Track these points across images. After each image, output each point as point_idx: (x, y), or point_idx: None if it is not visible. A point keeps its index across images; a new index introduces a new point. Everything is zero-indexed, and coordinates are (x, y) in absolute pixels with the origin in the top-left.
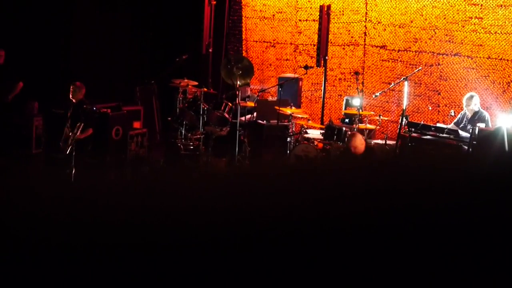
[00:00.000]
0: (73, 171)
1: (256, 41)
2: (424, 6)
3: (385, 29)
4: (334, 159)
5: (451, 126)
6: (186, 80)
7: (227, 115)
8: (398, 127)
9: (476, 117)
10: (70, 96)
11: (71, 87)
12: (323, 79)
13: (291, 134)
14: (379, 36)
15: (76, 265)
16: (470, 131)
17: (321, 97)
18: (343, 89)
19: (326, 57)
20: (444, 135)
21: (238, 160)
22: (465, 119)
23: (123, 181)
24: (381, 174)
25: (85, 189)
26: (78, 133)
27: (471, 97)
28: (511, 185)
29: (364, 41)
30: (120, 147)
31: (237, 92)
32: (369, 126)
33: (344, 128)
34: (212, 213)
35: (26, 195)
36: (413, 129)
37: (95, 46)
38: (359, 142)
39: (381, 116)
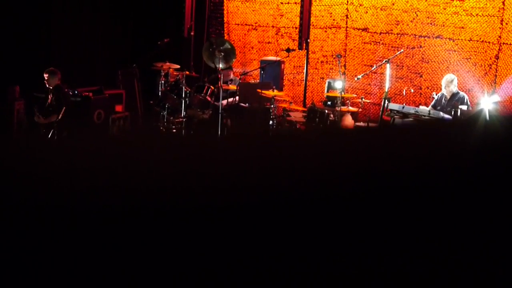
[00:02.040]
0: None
1: (238, 24)
2: None
3: (366, 12)
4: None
5: (429, 108)
6: (168, 64)
7: (209, 98)
8: (381, 109)
9: (456, 98)
10: (46, 83)
11: (46, 74)
12: (305, 62)
13: (273, 117)
14: (360, 18)
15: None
16: (452, 113)
17: (303, 80)
18: (325, 72)
19: (308, 40)
20: (426, 117)
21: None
22: (443, 100)
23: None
24: (366, 146)
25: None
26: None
27: (452, 79)
28: (494, 163)
29: (346, 23)
30: (102, 130)
31: (219, 75)
32: (351, 108)
33: (326, 111)
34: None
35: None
36: (396, 111)
37: (76, 30)
38: (349, 122)
39: (363, 99)
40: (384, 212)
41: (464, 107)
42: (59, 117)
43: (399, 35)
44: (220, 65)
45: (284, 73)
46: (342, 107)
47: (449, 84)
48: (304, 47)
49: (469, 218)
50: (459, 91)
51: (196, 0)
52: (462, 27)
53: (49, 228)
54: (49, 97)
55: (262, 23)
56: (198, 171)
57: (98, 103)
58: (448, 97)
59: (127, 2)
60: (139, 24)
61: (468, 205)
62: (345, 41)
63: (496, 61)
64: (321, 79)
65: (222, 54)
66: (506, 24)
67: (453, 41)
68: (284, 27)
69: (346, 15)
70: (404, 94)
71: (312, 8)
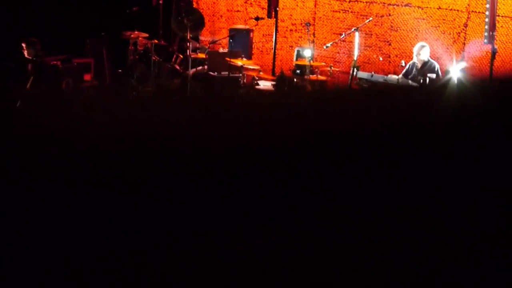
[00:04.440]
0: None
1: None
2: None
3: None
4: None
5: (400, 76)
6: (136, 32)
7: (177, 67)
8: (349, 78)
9: (426, 67)
10: (25, 53)
11: (23, 44)
12: (274, 30)
13: (243, 85)
14: None
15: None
16: (421, 81)
17: (272, 49)
18: (294, 40)
19: (277, 8)
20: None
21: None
22: (414, 69)
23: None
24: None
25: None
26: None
27: (422, 47)
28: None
29: None
30: (71, 99)
31: (188, 44)
32: (320, 77)
33: (295, 79)
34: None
35: None
36: (365, 80)
37: None
38: None
39: (332, 67)
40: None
41: (433, 75)
42: (28, 86)
43: (368, 3)
44: (189, 34)
45: (253, 41)
46: (311, 75)
47: (419, 51)
48: (273, 16)
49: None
50: (430, 60)
51: None
52: None
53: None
54: (30, 67)
55: None
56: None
57: (66, 72)
58: (419, 65)
59: None
60: None
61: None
62: (314, 9)
63: (465, 29)
64: (290, 48)
65: (191, 23)
66: None
67: (422, 9)
68: None
69: None
70: (381, 59)
71: None
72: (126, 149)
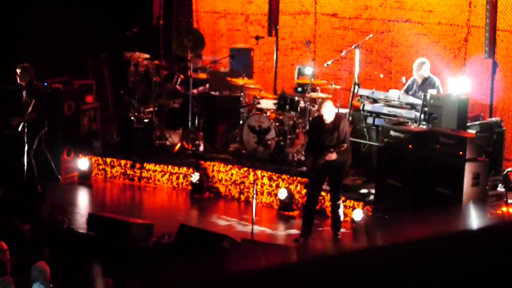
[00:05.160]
0: (25, 148)
1: (207, 12)
2: None
3: None
4: None
5: (401, 92)
6: (137, 53)
7: (179, 87)
8: (350, 95)
9: (427, 83)
10: (19, 79)
11: (18, 70)
12: (275, 48)
13: (244, 105)
14: (329, 4)
15: None
16: (422, 97)
17: (273, 67)
18: (295, 58)
19: (277, 27)
20: (396, 102)
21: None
22: (415, 85)
23: None
24: None
25: None
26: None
27: (422, 63)
28: None
29: (315, 9)
30: (73, 122)
31: (189, 64)
32: (321, 94)
33: (296, 98)
34: None
35: None
36: (366, 97)
37: (44, 21)
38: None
39: (333, 85)
40: None
41: (434, 91)
42: (29, 111)
43: (368, 20)
44: (190, 54)
45: (254, 60)
46: (312, 93)
47: (419, 67)
48: (273, 34)
49: None
50: (431, 76)
51: None
52: (431, 11)
53: None
54: (25, 92)
55: (231, 10)
56: None
57: (68, 94)
58: (420, 81)
59: None
60: (107, 13)
61: None
62: (314, 27)
63: (465, 44)
64: (291, 66)
65: (191, 42)
66: (475, 7)
67: (422, 25)
68: (253, 14)
69: (315, 1)
70: (382, 76)
71: None
72: None
